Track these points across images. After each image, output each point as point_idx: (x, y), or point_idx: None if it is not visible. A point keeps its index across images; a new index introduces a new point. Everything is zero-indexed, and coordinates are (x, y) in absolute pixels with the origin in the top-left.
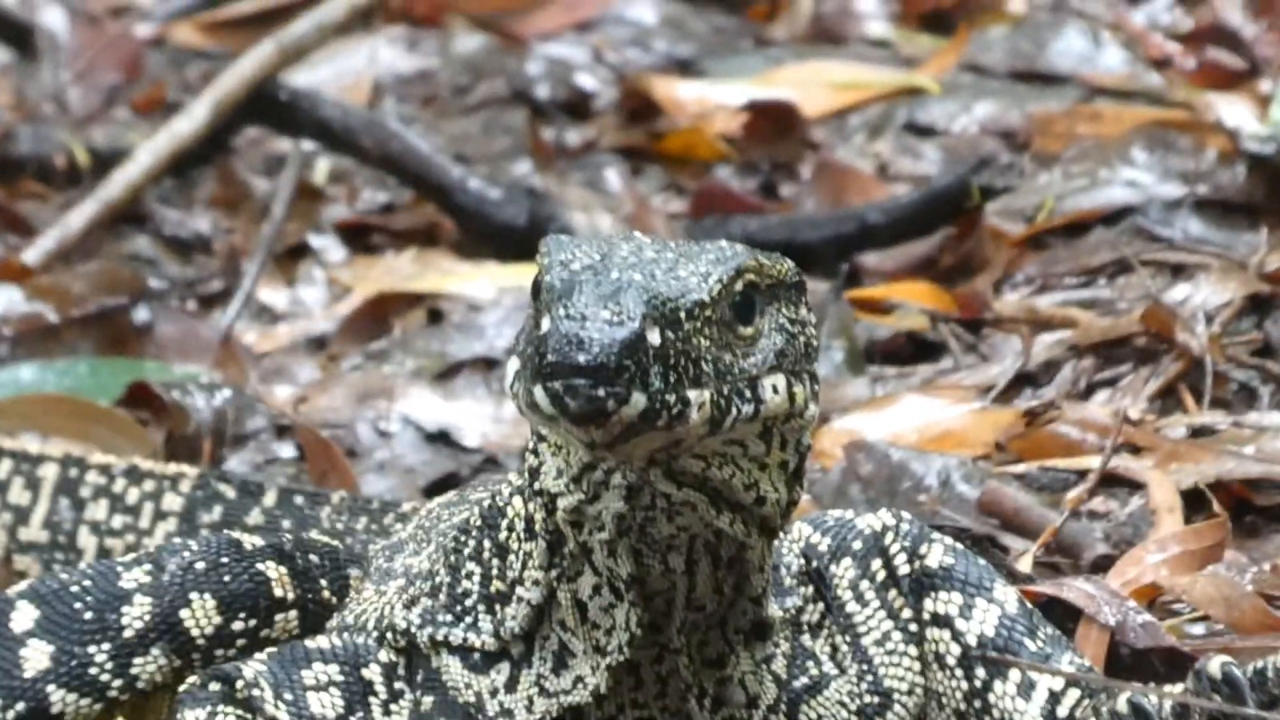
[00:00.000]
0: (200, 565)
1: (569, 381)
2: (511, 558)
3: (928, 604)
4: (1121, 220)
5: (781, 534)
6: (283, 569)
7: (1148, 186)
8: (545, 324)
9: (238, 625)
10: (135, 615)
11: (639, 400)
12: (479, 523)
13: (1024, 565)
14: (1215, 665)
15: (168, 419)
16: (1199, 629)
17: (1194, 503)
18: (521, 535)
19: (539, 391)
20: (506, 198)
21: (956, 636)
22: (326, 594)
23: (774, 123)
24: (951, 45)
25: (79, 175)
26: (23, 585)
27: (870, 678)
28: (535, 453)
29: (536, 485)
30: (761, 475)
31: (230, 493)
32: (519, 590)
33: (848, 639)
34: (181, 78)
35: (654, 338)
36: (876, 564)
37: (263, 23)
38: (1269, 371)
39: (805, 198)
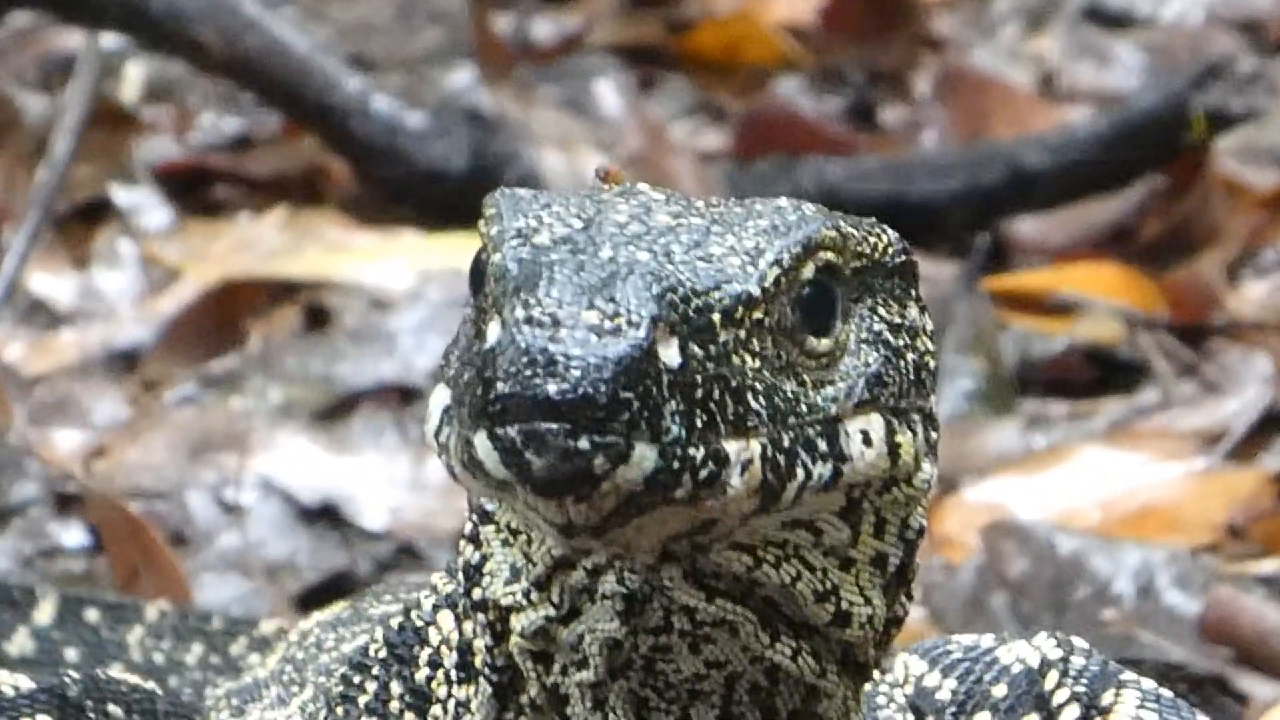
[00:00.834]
0: None
1: (531, 426)
2: (436, 713)
3: None
4: None
5: (878, 672)
6: None
7: None
8: (494, 333)
9: None
10: None
11: (646, 457)
12: (384, 654)
13: None
14: None
15: None
16: None
17: None
18: (452, 675)
19: (482, 442)
20: (434, 127)
21: None
22: None
23: (871, 6)
24: None
25: None
26: None
27: None
28: (476, 541)
29: (478, 594)
30: (844, 578)
31: None
32: None
33: None
34: None
35: (670, 356)
36: None
37: None
38: None
39: (922, 128)
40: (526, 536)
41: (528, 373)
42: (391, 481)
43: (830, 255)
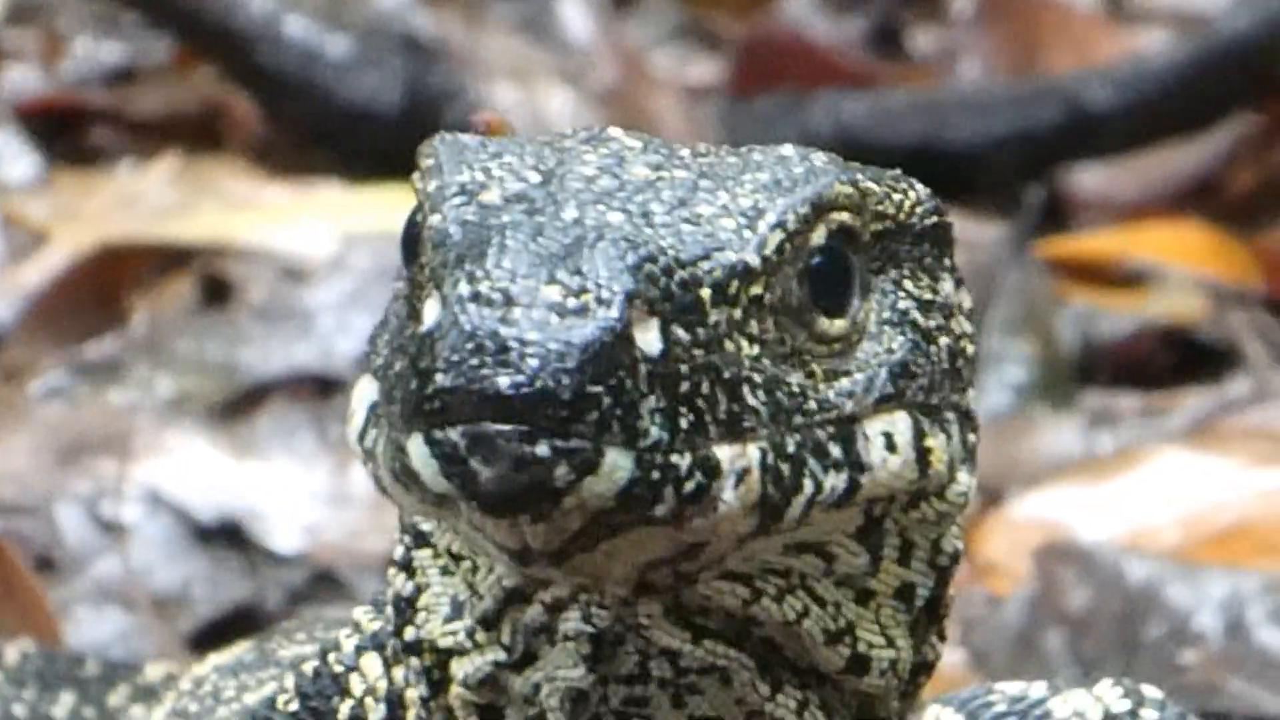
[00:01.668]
0: None
1: (478, 428)
2: None
3: None
4: None
5: None
6: None
7: None
8: (432, 312)
9: None
10: None
11: (619, 466)
12: (295, 707)
13: None
14: None
15: None
16: None
17: None
18: None
19: (418, 448)
20: (360, 55)
21: None
22: None
23: None
24: None
25: None
26: None
27: None
28: (408, 569)
29: (412, 634)
30: (861, 614)
31: None
32: None
33: None
34: None
35: (649, 341)
36: None
37: None
38: None
39: (960, 58)
40: (471, 563)
41: (473, 362)
42: (307, 494)
43: (846, 216)
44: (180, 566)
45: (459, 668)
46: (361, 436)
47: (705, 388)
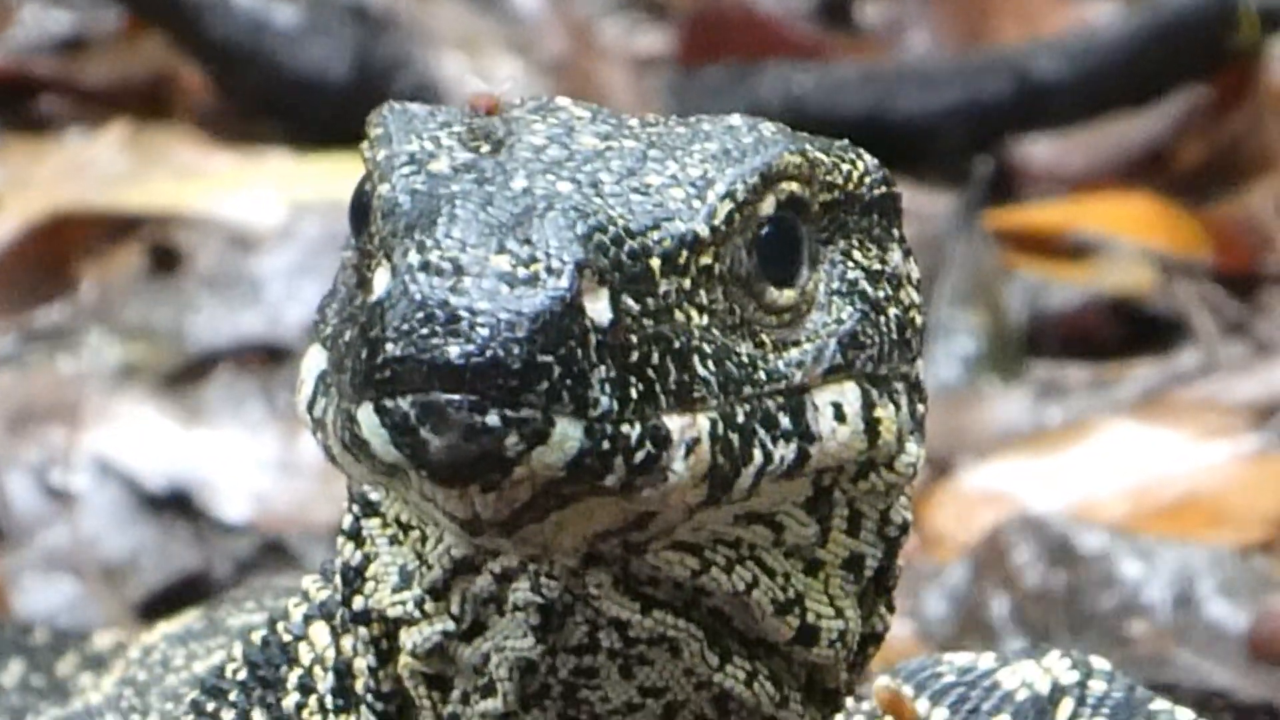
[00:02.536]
0: None
1: (428, 397)
2: None
3: None
4: None
5: (851, 700)
6: None
7: None
8: (381, 282)
9: None
10: None
11: (569, 436)
12: (244, 675)
13: None
14: None
15: None
16: None
17: None
18: (327, 702)
19: (368, 417)
20: (309, 24)
21: None
22: None
23: None
24: None
25: None
26: None
27: None
28: (357, 538)
29: (360, 603)
30: (810, 584)
31: None
32: None
33: None
34: None
35: (599, 311)
36: None
37: None
38: None
39: (908, 29)
40: (420, 533)
41: (424, 331)
42: (256, 463)
43: (795, 186)
44: (129, 535)
45: (408, 637)
46: (310, 406)
47: (655, 358)
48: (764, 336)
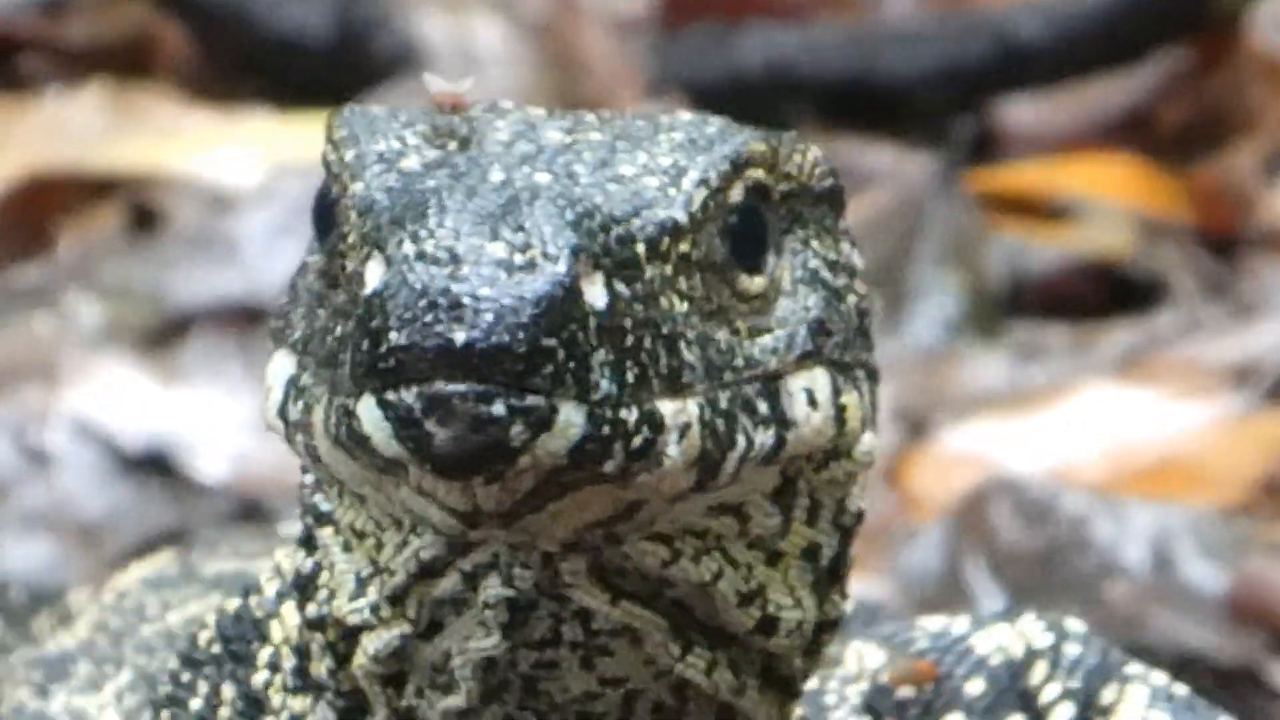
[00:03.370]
0: None
1: (433, 390)
2: None
3: None
4: None
5: (810, 681)
6: None
7: None
8: (375, 274)
9: None
10: None
11: (572, 422)
12: (218, 650)
13: None
14: None
15: None
16: None
17: None
18: (288, 682)
19: (370, 411)
20: None
21: None
22: None
23: None
24: None
25: None
26: None
27: None
28: (309, 546)
29: (314, 610)
30: (771, 575)
31: None
32: None
33: None
34: None
35: (596, 295)
36: None
37: None
38: None
39: None
40: (375, 540)
41: (428, 318)
42: (234, 423)
43: (760, 174)
44: (106, 495)
45: (369, 643)
46: (282, 411)
47: (647, 342)
48: (739, 323)
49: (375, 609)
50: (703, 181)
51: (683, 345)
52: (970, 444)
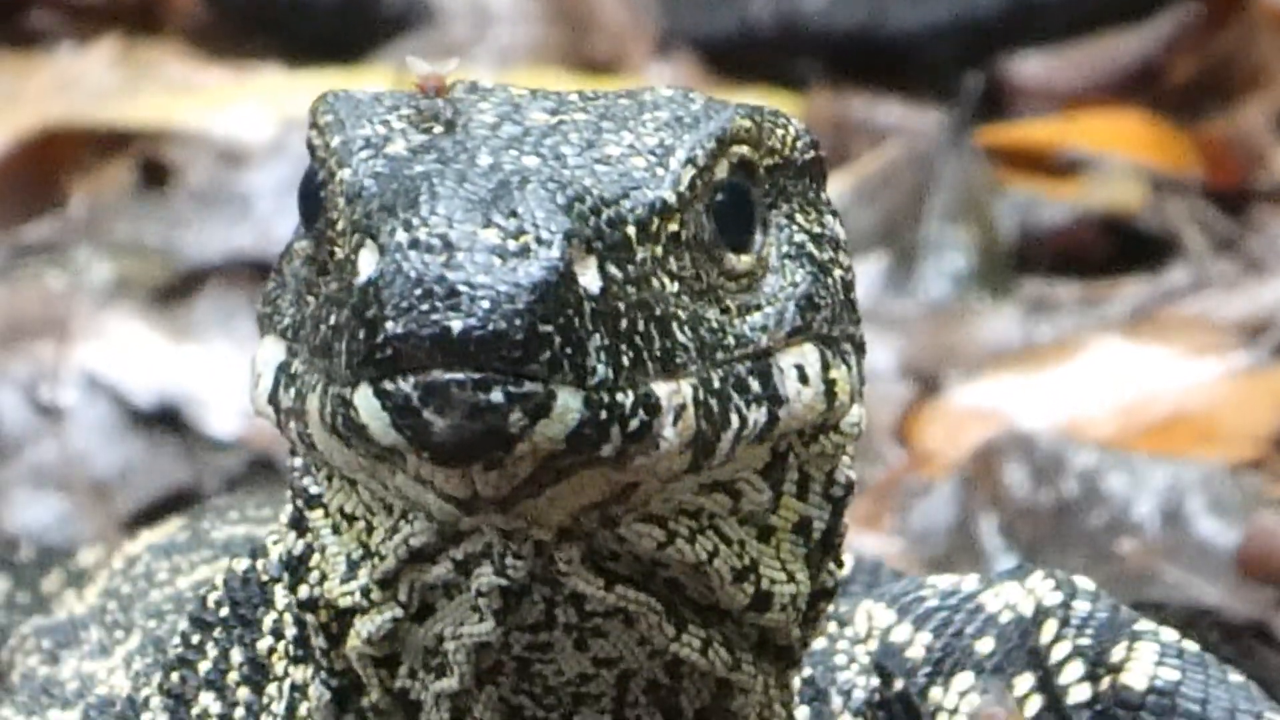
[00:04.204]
0: None
1: (431, 378)
2: (272, 691)
3: None
4: None
5: (819, 642)
6: None
7: None
8: (368, 262)
9: None
10: None
11: (570, 407)
12: (225, 612)
13: None
14: None
15: None
16: None
17: None
18: (290, 650)
19: (367, 400)
20: None
21: None
22: None
23: None
24: None
25: None
26: None
27: None
28: (299, 528)
29: (305, 592)
30: (764, 550)
31: None
32: None
33: None
34: None
35: (590, 279)
36: (1024, 684)
37: None
38: None
39: None
40: (365, 523)
41: (424, 307)
42: (245, 378)
43: (745, 150)
44: (118, 450)
45: (361, 625)
46: (273, 398)
47: (640, 324)
48: (728, 302)
49: (366, 592)
50: (690, 160)
51: (675, 326)
52: (981, 400)
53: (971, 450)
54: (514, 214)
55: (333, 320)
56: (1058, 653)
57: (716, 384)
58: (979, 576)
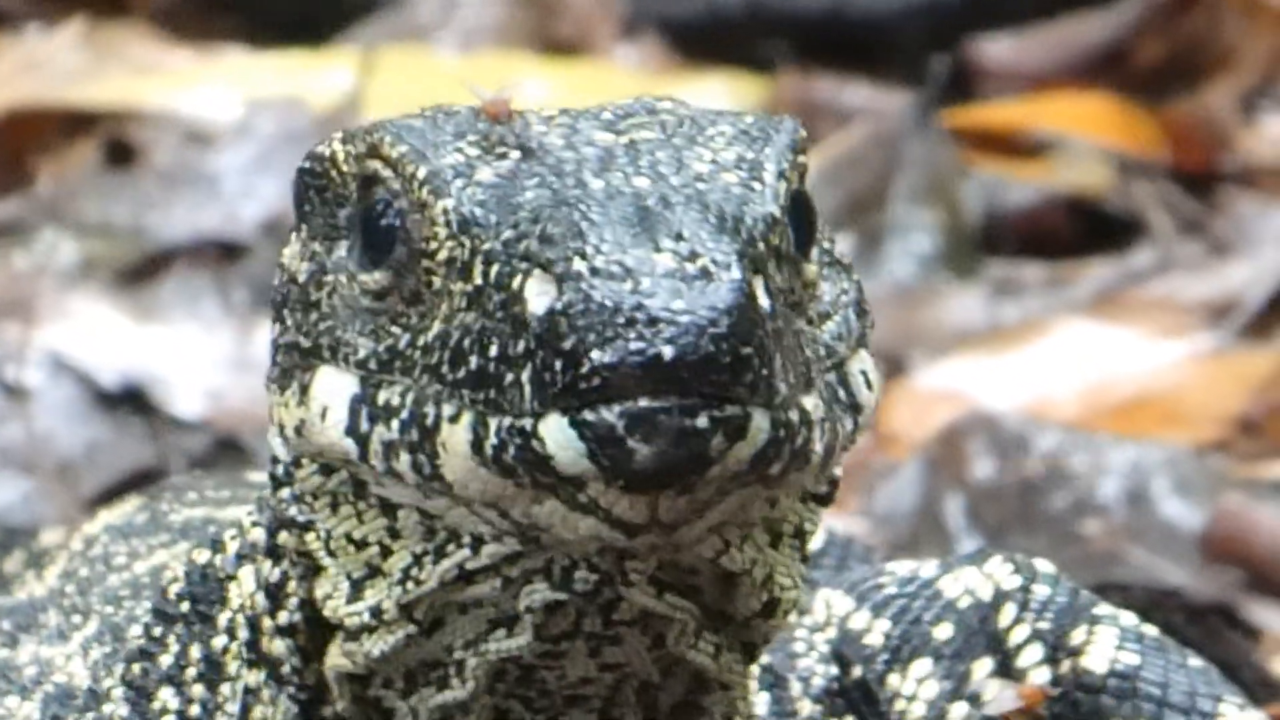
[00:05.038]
0: None
1: (635, 407)
2: (226, 691)
3: None
4: None
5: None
6: None
7: None
8: (546, 293)
9: None
10: None
11: (761, 427)
12: (186, 607)
13: None
14: None
15: None
16: None
17: None
18: (242, 653)
19: (561, 432)
20: None
21: None
22: None
23: None
24: None
25: None
26: None
27: None
28: (274, 555)
29: (286, 617)
30: (775, 557)
31: None
32: None
33: None
34: None
35: (763, 299)
36: (984, 668)
37: None
38: None
39: None
40: (379, 548)
41: (630, 335)
42: (210, 359)
43: (804, 159)
44: (82, 431)
45: (369, 644)
46: (352, 430)
47: (789, 340)
48: (810, 312)
49: (377, 612)
50: (781, 173)
51: (801, 339)
52: (946, 381)
53: (937, 431)
54: (680, 237)
55: (495, 351)
56: (1017, 636)
57: (826, 395)
58: (938, 562)
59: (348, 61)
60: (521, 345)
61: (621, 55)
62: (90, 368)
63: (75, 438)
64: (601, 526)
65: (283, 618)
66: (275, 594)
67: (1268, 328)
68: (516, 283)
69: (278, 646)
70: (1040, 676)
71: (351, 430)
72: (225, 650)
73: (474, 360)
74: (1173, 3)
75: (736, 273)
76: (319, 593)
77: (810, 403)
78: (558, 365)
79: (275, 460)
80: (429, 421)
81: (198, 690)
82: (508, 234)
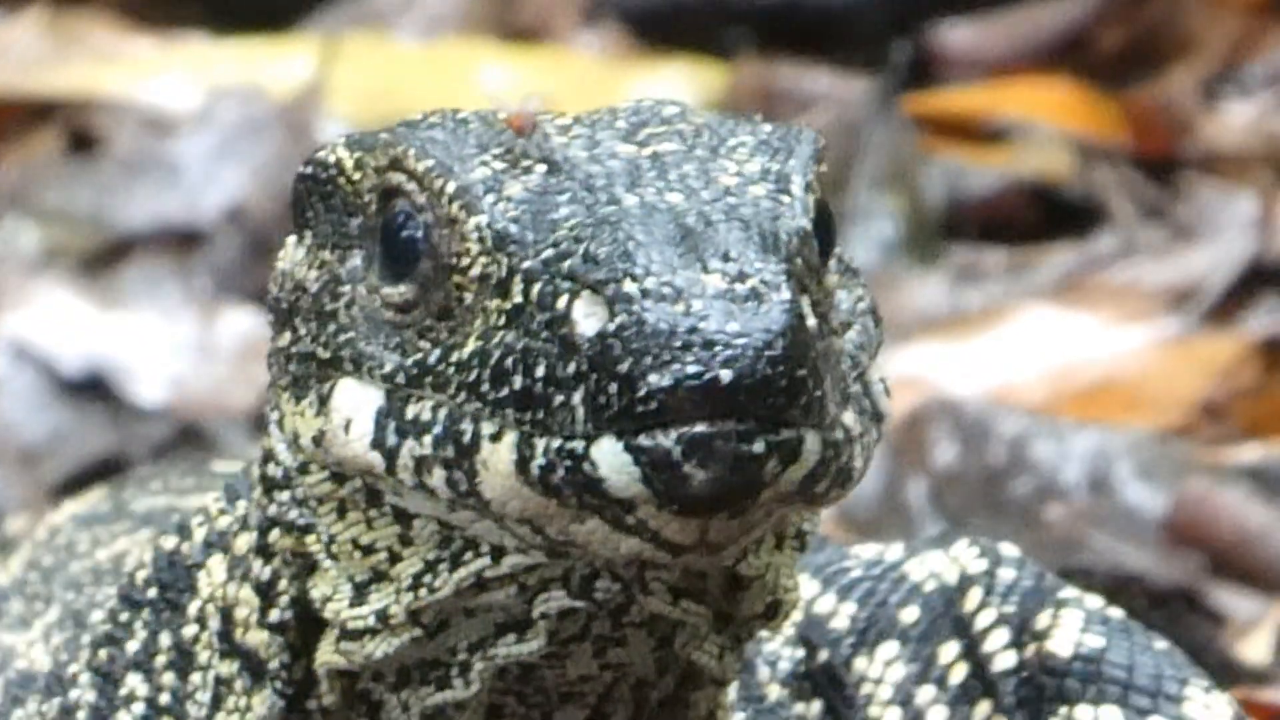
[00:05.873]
0: None
1: (692, 431)
2: (196, 680)
3: None
4: None
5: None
6: None
7: None
8: (593, 314)
9: None
10: None
11: (812, 450)
12: (154, 594)
13: (1254, 648)
14: None
15: None
16: None
17: None
18: (214, 643)
19: (614, 456)
20: None
21: None
22: None
23: None
24: None
25: None
26: None
27: None
28: (265, 554)
29: (277, 614)
30: (781, 560)
31: None
32: None
33: None
34: None
35: (810, 318)
36: (949, 652)
37: None
38: None
39: None
40: (388, 554)
41: (688, 358)
42: (172, 346)
43: (823, 168)
44: (45, 419)
45: (373, 646)
46: (379, 443)
47: (830, 357)
48: (833, 321)
49: (383, 616)
50: (808, 185)
51: (837, 355)
52: (909, 367)
53: (900, 417)
54: (727, 256)
55: (542, 372)
56: (982, 620)
57: (857, 407)
58: (903, 546)
59: (309, 49)
60: (572, 367)
61: (583, 42)
62: (52, 355)
63: (38, 425)
64: (646, 546)
65: (273, 615)
66: (266, 592)
67: (1229, 313)
68: (563, 303)
69: (262, 641)
70: (1006, 660)
71: (378, 444)
72: (195, 639)
73: (518, 380)
74: None
75: (786, 293)
76: (316, 593)
77: (849, 418)
78: (612, 389)
79: (271, 461)
80: (466, 439)
81: (168, 678)
82: (548, 253)
